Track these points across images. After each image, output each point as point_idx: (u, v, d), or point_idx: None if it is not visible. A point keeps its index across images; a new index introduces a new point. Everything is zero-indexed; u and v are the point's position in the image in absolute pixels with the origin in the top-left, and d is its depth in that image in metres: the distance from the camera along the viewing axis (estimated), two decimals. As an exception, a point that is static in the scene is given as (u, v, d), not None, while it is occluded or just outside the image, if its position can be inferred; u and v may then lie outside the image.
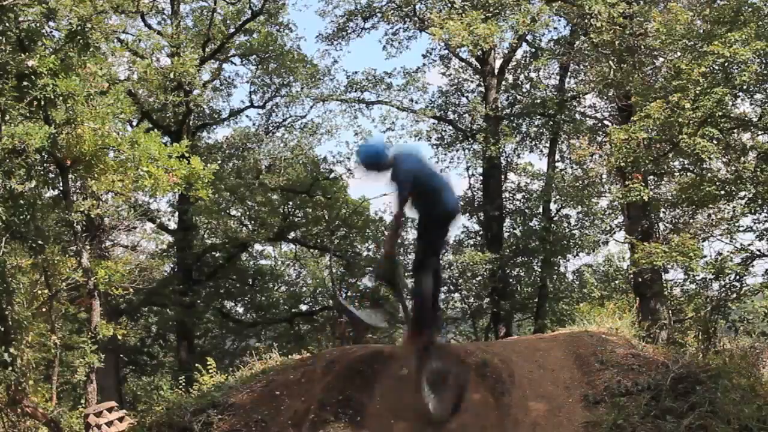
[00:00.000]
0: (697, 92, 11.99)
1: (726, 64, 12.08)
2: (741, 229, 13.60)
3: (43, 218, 10.63)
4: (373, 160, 6.59)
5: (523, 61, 22.62)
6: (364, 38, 54.46)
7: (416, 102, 23.67)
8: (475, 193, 23.23)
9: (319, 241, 24.58)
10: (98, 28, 10.68)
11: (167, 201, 23.59)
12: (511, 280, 22.01)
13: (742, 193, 13.05)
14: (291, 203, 24.09)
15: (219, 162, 21.23)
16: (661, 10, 14.70)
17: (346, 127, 53.97)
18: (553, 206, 22.30)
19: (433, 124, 23.41)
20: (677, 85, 12.31)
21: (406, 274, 7.37)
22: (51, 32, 10.82)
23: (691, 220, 16.40)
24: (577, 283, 23.84)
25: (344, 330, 22.79)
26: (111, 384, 19.64)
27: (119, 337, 13.45)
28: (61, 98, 9.85)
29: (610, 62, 15.87)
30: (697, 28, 13.22)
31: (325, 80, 24.02)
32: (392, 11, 22.07)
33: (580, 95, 21.39)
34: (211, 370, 9.64)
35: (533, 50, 22.05)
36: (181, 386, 10.24)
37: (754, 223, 13.28)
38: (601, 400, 7.09)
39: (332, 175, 24.44)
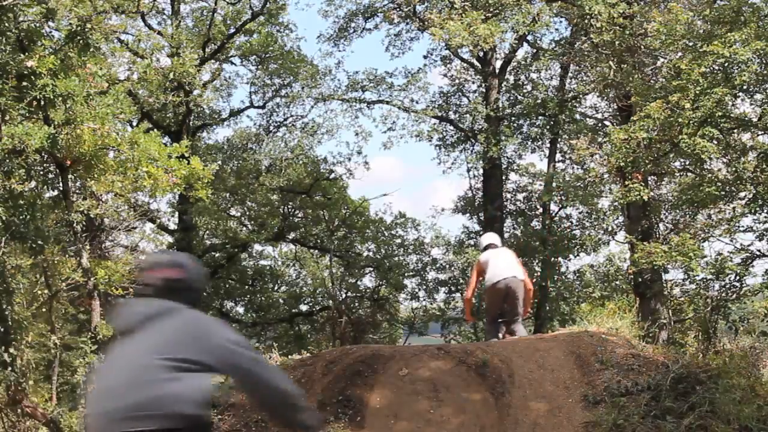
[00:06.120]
0: (697, 92, 11.95)
1: (726, 64, 12.04)
2: (741, 229, 13.55)
3: (43, 218, 10.61)
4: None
5: (523, 62, 22.61)
6: (366, 38, 54.67)
7: (417, 102, 23.68)
8: (475, 194, 23.22)
9: (319, 241, 24.58)
10: (98, 28, 10.66)
11: (167, 201, 23.61)
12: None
13: (742, 194, 13.02)
14: (291, 203, 24.08)
15: (219, 162, 21.25)
16: (661, 10, 14.68)
17: (347, 127, 54.19)
18: (553, 206, 22.28)
19: (434, 124, 23.40)
20: (677, 85, 12.27)
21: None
22: (51, 32, 10.81)
23: (692, 221, 16.37)
24: (578, 283, 23.81)
25: (344, 330, 22.82)
26: (111, 384, 19.60)
27: (119, 338, 13.41)
28: (60, 98, 9.83)
29: (611, 62, 15.85)
30: (697, 28, 13.19)
31: (325, 80, 24.05)
32: (392, 11, 22.06)
33: (581, 95, 21.38)
34: (211, 370, 9.60)
35: (534, 51, 22.04)
36: (180, 386, 10.20)
37: (754, 223, 13.24)
38: (601, 400, 7.08)
39: (332, 175, 24.45)
